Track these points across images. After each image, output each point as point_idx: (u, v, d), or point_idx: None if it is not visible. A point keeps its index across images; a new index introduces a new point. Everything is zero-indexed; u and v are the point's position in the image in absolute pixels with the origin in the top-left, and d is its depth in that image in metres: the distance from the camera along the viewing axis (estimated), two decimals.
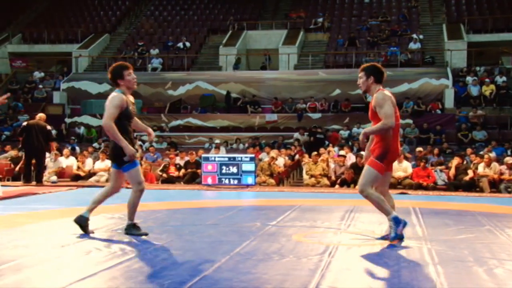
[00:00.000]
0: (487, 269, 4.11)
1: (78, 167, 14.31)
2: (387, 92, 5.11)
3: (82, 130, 19.92)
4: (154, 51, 24.17)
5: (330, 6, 27.17)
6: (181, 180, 13.66)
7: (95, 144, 18.19)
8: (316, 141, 17.27)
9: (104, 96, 21.60)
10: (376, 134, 5.08)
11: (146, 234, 5.41)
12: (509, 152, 15.11)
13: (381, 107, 4.98)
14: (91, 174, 14.12)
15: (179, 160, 14.39)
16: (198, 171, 13.27)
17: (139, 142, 17.88)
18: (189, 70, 23.46)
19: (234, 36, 25.03)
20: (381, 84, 5.21)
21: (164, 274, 3.89)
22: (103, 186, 12.89)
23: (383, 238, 5.24)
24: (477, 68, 20.78)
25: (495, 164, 12.81)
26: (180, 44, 24.55)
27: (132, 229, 5.47)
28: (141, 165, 13.73)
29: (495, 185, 12.48)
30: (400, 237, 5.09)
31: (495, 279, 3.85)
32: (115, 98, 5.28)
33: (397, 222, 5.04)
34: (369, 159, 5.17)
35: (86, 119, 20.65)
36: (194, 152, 14.39)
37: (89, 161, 14.62)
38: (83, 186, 12.31)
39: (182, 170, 13.92)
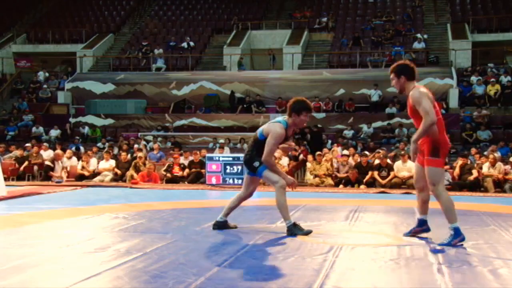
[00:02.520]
0: (492, 269, 4.10)
1: (83, 167, 14.35)
2: (422, 88, 5.09)
3: (86, 130, 19.95)
4: (158, 51, 24.19)
5: (334, 5, 27.14)
6: (185, 180, 13.67)
7: (99, 144, 18.21)
8: (315, 140, 17.14)
9: (108, 96, 21.84)
10: (425, 135, 5.01)
11: (310, 232, 5.52)
12: None
13: (419, 104, 4.95)
14: (95, 174, 14.15)
15: (183, 160, 14.41)
16: (202, 171, 13.28)
17: (143, 142, 17.92)
18: (193, 70, 23.48)
19: (238, 35, 25.03)
20: (414, 80, 5.20)
21: (169, 274, 3.89)
22: (107, 186, 12.94)
23: (410, 233, 5.38)
24: (489, 64, 20.66)
25: (499, 164, 12.77)
26: (184, 44, 24.57)
27: (294, 228, 5.54)
28: (144, 165, 13.84)
29: (500, 185, 12.45)
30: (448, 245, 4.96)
31: (500, 279, 3.84)
32: (278, 134, 5.49)
33: (457, 234, 4.96)
34: (417, 156, 5.15)
35: (90, 118, 20.68)
36: (198, 152, 14.40)
37: (93, 161, 14.65)
38: (87, 186, 12.35)
39: (186, 170, 13.93)
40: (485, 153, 13.98)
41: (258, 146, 5.58)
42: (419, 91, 5.02)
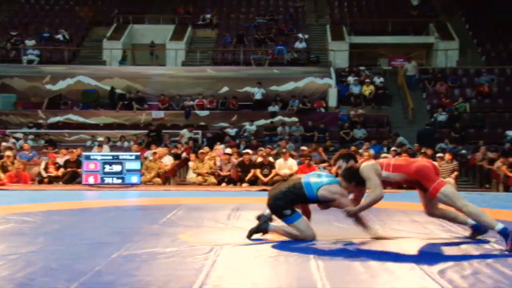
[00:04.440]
0: (363, 262, 4.24)
1: None
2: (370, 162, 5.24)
3: None
4: (30, 42, 22.66)
5: (218, 2, 27.16)
6: (60, 180, 12.95)
7: None
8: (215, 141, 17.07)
9: None
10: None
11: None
12: (385, 149, 15.90)
13: (369, 179, 5.03)
14: None
15: (59, 159, 13.64)
16: (79, 170, 12.66)
17: (12, 140, 16.74)
18: (70, 63, 22.34)
19: (119, 29, 24.22)
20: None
21: (37, 281, 3.64)
22: None
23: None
24: (361, 67, 21.74)
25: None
26: (60, 36, 23.25)
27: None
28: (13, 164, 12.91)
29: None
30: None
31: (369, 270, 4.01)
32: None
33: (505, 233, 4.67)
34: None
35: None
36: (74, 150, 13.70)
37: None
38: None
39: (61, 169, 13.20)
40: (360, 150, 14.63)
41: (296, 197, 5.18)
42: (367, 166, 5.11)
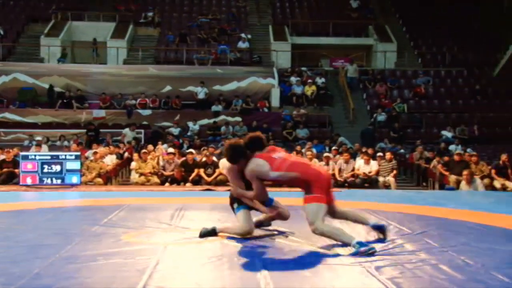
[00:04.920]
0: (306, 260, 4.33)
1: None
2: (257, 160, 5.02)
3: None
4: None
5: (160, 0, 26.84)
6: None
7: None
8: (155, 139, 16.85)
9: None
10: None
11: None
12: (327, 149, 16.18)
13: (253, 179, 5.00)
14: None
15: None
16: (16, 170, 12.24)
17: None
18: (5, 60, 21.55)
19: (58, 26, 23.56)
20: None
21: None
22: None
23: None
24: (303, 68, 22.01)
25: (315, 161, 13.61)
26: None
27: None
28: None
29: None
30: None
31: (312, 268, 4.08)
32: None
33: (361, 245, 4.57)
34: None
35: None
36: (11, 150, 13.23)
37: None
38: None
39: None
40: (303, 150, 14.83)
41: None
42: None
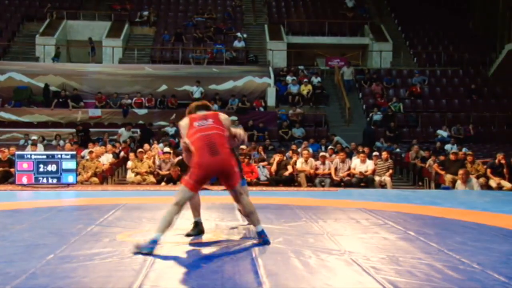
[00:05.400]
0: (302, 260, 4.32)
1: None
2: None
3: None
4: None
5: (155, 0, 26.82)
6: None
7: None
8: (147, 137, 16.85)
9: None
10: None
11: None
12: (323, 148, 16.20)
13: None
14: None
15: None
16: (12, 170, 12.20)
17: None
18: (0, 59, 21.48)
19: (53, 25, 23.50)
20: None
21: None
22: None
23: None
24: (300, 67, 22.01)
25: (311, 160, 13.64)
26: None
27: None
28: None
29: (311, 180, 13.31)
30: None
31: (308, 267, 4.09)
32: None
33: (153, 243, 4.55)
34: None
35: None
36: (6, 149, 13.19)
37: None
38: None
39: None
40: (299, 149, 14.83)
41: None
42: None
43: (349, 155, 14.26)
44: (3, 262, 4.16)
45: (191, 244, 4.99)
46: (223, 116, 5.07)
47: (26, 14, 24.47)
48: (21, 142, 16.70)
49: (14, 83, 19.74)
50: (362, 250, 4.74)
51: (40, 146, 15.05)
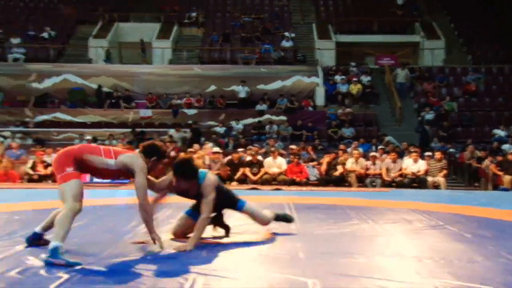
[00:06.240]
0: (353, 261, 4.25)
1: None
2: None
3: None
4: (16, 40, 22.40)
5: (204, 1, 27.04)
6: (49, 179, 12.83)
7: None
8: (196, 137, 17.03)
9: None
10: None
11: None
12: (373, 148, 15.97)
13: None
14: None
15: (47, 157, 13.52)
16: None
17: (0, 139, 16.59)
18: (55, 62, 22.15)
19: (105, 28, 24.07)
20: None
21: (28, 280, 3.53)
22: None
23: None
24: (352, 63, 21.76)
25: (361, 160, 13.48)
26: (45, 34, 23.02)
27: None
28: (1, 162, 12.77)
29: (361, 180, 13.15)
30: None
31: (360, 269, 4.00)
32: None
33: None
34: None
35: None
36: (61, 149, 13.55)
37: None
38: None
39: (50, 168, 13.08)
40: (349, 149, 14.68)
41: None
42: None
43: (400, 155, 14.00)
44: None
45: (239, 243, 4.99)
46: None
47: (79, 18, 25.14)
48: (76, 142, 17.14)
49: (69, 85, 20.33)
50: (415, 252, 4.63)
51: None
